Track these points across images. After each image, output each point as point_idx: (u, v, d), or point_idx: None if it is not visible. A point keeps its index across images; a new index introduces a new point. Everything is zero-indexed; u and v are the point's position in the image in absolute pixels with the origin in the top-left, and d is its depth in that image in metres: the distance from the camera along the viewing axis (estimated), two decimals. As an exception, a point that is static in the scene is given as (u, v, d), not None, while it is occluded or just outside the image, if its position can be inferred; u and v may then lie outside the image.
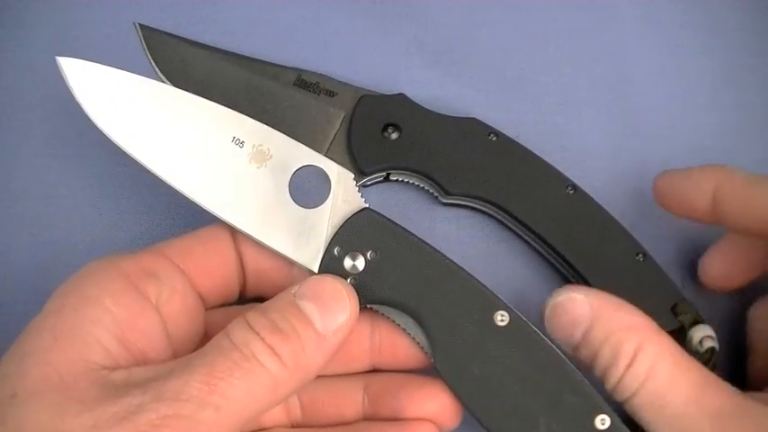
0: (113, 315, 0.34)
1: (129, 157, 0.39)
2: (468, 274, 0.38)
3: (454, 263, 0.38)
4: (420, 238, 0.38)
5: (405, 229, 0.39)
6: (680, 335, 0.43)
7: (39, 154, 0.50)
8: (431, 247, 0.38)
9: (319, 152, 0.46)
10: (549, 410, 0.36)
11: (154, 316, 0.36)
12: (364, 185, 0.49)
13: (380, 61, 0.52)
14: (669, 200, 0.43)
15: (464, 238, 0.49)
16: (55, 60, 0.39)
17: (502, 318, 0.37)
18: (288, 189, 0.39)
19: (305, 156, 0.39)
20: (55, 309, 0.34)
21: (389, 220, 0.39)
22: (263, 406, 0.33)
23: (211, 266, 0.40)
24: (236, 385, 0.32)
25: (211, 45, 0.51)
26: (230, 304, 0.42)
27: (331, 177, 0.39)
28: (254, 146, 0.39)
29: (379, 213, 0.39)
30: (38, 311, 0.35)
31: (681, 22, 0.55)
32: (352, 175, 0.39)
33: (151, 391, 0.31)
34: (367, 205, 0.39)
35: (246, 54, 0.51)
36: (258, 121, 0.47)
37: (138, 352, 0.35)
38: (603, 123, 0.52)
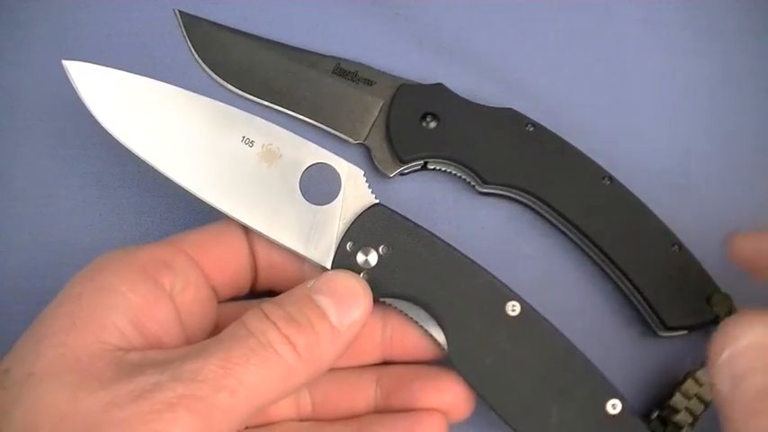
0: (130, 302, 0.34)
1: (136, 156, 0.39)
2: (479, 266, 0.39)
3: (465, 256, 0.39)
4: (431, 232, 0.39)
5: (416, 223, 0.39)
6: (714, 325, 0.44)
7: (39, 154, 0.49)
8: (442, 240, 0.39)
9: (358, 140, 0.48)
10: (561, 397, 0.37)
11: (168, 305, 0.36)
12: (402, 174, 0.49)
13: (379, 62, 0.52)
14: (754, 264, 0.39)
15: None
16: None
17: (513, 308, 0.38)
18: (299, 187, 0.39)
19: (314, 153, 0.40)
20: (72, 295, 0.35)
21: (400, 215, 0.39)
22: (275, 395, 0.34)
23: (224, 260, 0.40)
24: (251, 371, 0.32)
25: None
26: (241, 298, 0.42)
27: (341, 174, 0.39)
28: (263, 145, 0.40)
29: (390, 208, 0.39)
30: (38, 312, 0.35)
31: (680, 23, 0.55)
32: (362, 172, 0.40)
33: (168, 371, 0.31)
34: (378, 201, 0.39)
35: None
36: (299, 108, 0.49)
37: (152, 337, 0.35)
38: (603, 125, 0.52)
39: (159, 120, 0.39)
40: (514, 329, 0.38)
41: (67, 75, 0.39)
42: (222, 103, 0.40)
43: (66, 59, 0.40)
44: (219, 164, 0.39)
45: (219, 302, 0.41)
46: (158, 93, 0.40)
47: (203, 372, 0.31)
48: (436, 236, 0.39)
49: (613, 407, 0.37)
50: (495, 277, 0.39)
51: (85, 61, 0.40)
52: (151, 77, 0.40)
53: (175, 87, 0.40)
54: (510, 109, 0.49)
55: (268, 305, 0.35)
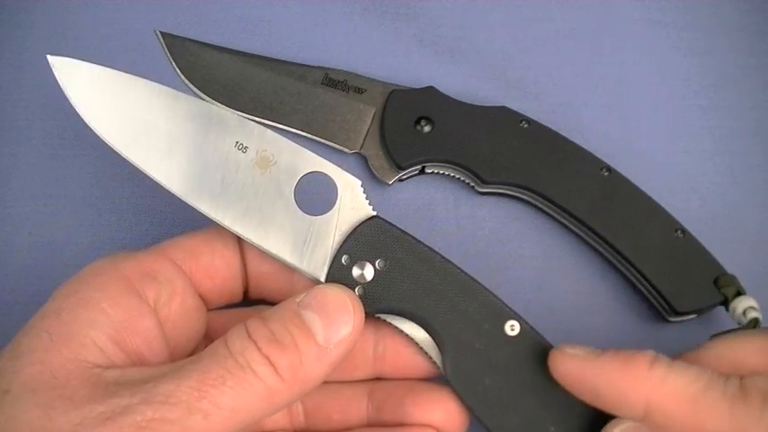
0: (110, 317, 0.33)
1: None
2: (479, 283, 0.37)
3: (464, 272, 0.37)
4: (430, 247, 0.37)
5: (415, 237, 0.37)
6: (723, 307, 0.44)
7: (39, 154, 0.48)
8: (441, 256, 0.37)
9: (354, 150, 0.47)
10: (559, 419, 0.35)
11: (151, 319, 0.35)
12: (401, 180, 0.48)
13: (381, 62, 0.50)
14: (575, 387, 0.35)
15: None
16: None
17: (512, 327, 0.36)
18: (293, 196, 0.37)
19: (310, 162, 0.37)
20: (53, 310, 0.33)
21: (399, 228, 0.37)
22: (255, 415, 0.32)
23: (214, 268, 0.38)
24: (227, 393, 0.30)
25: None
26: (236, 305, 0.40)
27: (338, 184, 0.37)
28: (257, 151, 0.37)
29: (387, 221, 0.37)
30: (37, 312, 0.33)
31: (681, 22, 0.54)
32: (360, 182, 0.37)
33: (140, 393, 0.30)
34: (375, 213, 0.37)
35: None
36: (291, 121, 0.47)
37: (134, 353, 0.33)
38: (603, 124, 0.51)
39: (146, 119, 0.37)
40: (513, 349, 0.36)
41: (52, 69, 0.37)
42: (215, 106, 0.38)
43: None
44: (210, 169, 0.37)
45: (211, 310, 0.39)
46: (147, 91, 0.37)
47: (176, 394, 0.30)
48: (435, 251, 0.37)
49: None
50: (494, 295, 0.37)
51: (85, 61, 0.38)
52: (150, 78, 0.38)
53: (165, 87, 0.38)
54: (503, 107, 0.48)
55: (252, 322, 0.33)
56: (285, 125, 0.47)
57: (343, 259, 0.36)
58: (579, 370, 0.34)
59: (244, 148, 0.37)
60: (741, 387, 0.31)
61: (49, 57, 0.37)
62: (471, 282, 0.37)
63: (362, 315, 0.35)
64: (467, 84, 0.50)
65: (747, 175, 0.50)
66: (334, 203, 0.37)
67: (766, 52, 0.53)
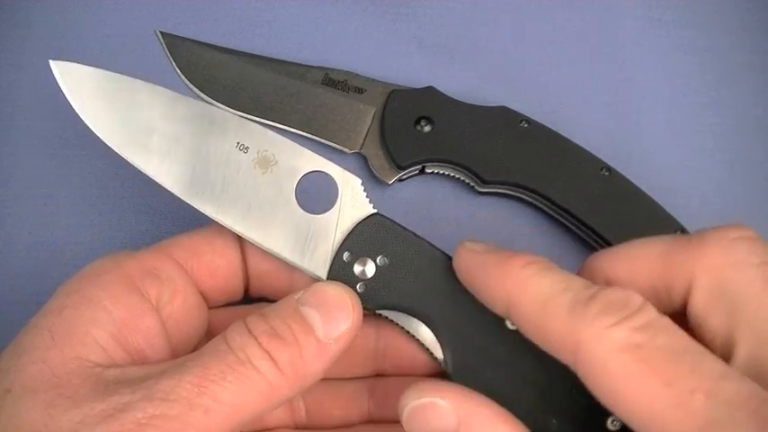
0: (112, 315, 0.33)
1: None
2: None
3: None
4: (431, 243, 0.37)
5: (415, 234, 0.37)
6: None
7: (39, 154, 0.48)
8: (441, 251, 0.37)
9: (354, 149, 0.47)
10: (561, 412, 0.35)
11: (153, 317, 0.35)
12: (401, 179, 0.48)
13: (381, 62, 0.50)
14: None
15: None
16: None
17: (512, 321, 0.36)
18: (294, 195, 0.37)
19: (311, 161, 0.37)
20: (55, 308, 0.33)
21: (400, 225, 0.37)
22: (256, 411, 0.32)
23: (215, 266, 0.38)
24: (227, 389, 0.30)
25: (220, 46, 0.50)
26: (237, 303, 0.41)
27: (338, 183, 0.37)
28: (258, 152, 0.37)
29: (388, 218, 0.37)
30: (37, 312, 0.33)
31: (682, 21, 0.54)
32: (360, 180, 0.37)
33: (141, 391, 0.30)
34: (376, 210, 0.37)
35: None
36: (291, 121, 0.47)
37: (135, 352, 0.33)
38: (603, 123, 0.51)
39: (148, 122, 0.37)
40: (514, 343, 0.36)
41: (54, 74, 0.37)
42: (216, 107, 0.38)
43: (64, 60, 0.38)
44: (212, 170, 0.37)
45: (212, 308, 0.39)
46: (147, 94, 0.37)
47: (177, 390, 0.30)
48: (436, 247, 0.37)
49: (613, 423, 0.35)
50: None
51: (85, 61, 0.38)
52: (149, 79, 0.38)
53: (166, 89, 0.38)
54: (503, 107, 0.48)
55: (252, 318, 0.33)
56: (285, 125, 0.48)
57: (345, 256, 0.36)
58: (466, 262, 0.34)
59: (245, 149, 0.37)
60: (592, 294, 0.29)
61: (51, 62, 0.37)
62: None
63: (361, 311, 0.35)
64: (467, 84, 0.50)
65: (748, 173, 0.50)
66: (335, 202, 0.37)
67: (766, 50, 0.53)
